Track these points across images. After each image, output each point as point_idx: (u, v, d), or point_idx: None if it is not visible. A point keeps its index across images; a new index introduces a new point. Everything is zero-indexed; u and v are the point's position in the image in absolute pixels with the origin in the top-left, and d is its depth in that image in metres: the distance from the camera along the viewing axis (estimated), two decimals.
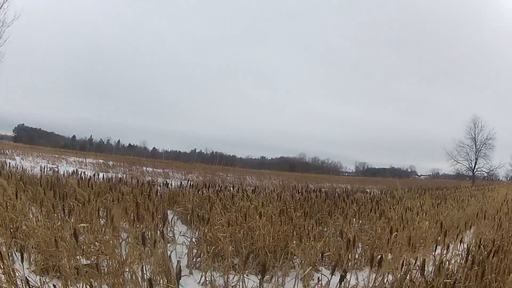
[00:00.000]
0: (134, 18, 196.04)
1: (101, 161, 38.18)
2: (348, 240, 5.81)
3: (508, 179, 75.32)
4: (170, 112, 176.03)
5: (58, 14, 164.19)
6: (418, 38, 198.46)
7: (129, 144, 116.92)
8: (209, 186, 13.41)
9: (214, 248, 5.93)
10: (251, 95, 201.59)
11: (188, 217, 8.58)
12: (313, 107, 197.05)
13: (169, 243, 6.96)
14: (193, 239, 6.68)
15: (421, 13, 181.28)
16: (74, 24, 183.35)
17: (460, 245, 6.48)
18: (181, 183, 14.43)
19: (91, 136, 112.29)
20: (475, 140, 63.04)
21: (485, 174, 65.48)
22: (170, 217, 8.91)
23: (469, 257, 5.13)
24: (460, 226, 8.82)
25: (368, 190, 27.38)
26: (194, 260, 6.34)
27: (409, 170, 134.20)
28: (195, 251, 6.44)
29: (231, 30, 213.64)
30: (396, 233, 6.77)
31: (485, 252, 5.34)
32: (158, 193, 11.15)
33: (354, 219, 8.42)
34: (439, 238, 6.87)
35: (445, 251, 6.07)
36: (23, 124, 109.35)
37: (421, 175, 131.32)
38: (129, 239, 6.00)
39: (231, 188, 14.61)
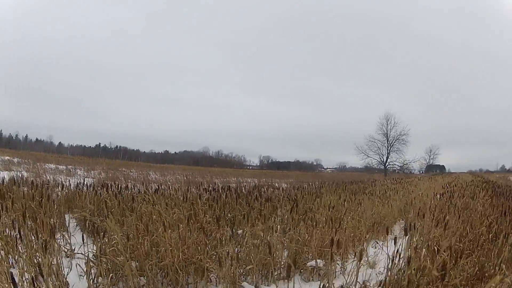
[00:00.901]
0: (36, 9, 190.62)
1: (7, 157, 35.55)
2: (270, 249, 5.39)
3: (421, 172, 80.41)
4: (76, 107, 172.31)
5: None
6: (336, 35, 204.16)
7: (36, 139, 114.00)
8: (108, 186, 12.18)
9: (115, 266, 5.29)
10: (155, 91, 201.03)
11: (86, 225, 7.69)
12: (218, 101, 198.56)
13: (67, 257, 6.46)
14: (91, 254, 5.64)
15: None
16: None
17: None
18: (78, 182, 13.13)
19: (1, 130, 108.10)
20: (387, 136, 66.07)
21: (398, 168, 67.71)
22: (69, 224, 8.22)
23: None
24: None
25: (276, 185, 27.15)
26: (94, 281, 5.28)
27: (315, 163, 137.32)
28: (94, 270, 5.40)
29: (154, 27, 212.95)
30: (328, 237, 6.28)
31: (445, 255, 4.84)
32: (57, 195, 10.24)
33: (274, 223, 7.48)
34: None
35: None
36: None
37: (327, 168, 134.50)
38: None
39: (133, 188, 13.57)
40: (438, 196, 14.20)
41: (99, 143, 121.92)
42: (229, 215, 8.51)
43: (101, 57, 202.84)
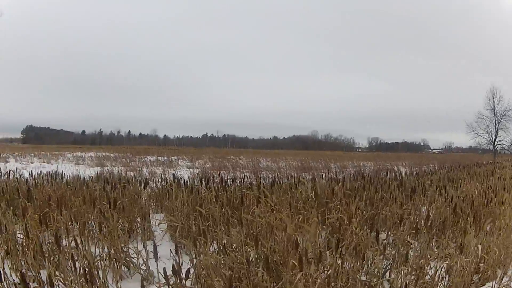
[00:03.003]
0: (116, 14, 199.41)
1: (103, 153, 35.24)
2: None
3: None
4: (176, 99, 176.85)
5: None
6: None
7: (140, 134, 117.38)
8: (208, 179, 9.87)
9: None
10: (257, 78, 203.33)
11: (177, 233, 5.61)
12: (321, 85, 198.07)
13: (144, 279, 4.67)
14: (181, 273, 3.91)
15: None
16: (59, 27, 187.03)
17: None
18: (172, 175, 10.89)
19: (101, 129, 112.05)
20: (494, 112, 57.85)
21: (506, 148, 61.84)
22: (156, 230, 6.78)
23: None
24: None
25: (396, 168, 25.10)
26: None
27: (422, 144, 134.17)
28: None
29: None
30: None
31: None
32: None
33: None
34: None
35: None
36: (31, 125, 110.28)
37: (434, 149, 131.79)
38: None
39: (242, 179, 11.32)
40: None
41: (206, 133, 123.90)
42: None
43: (174, 48, 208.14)
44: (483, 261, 5.08)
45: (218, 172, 17.03)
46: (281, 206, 5.99)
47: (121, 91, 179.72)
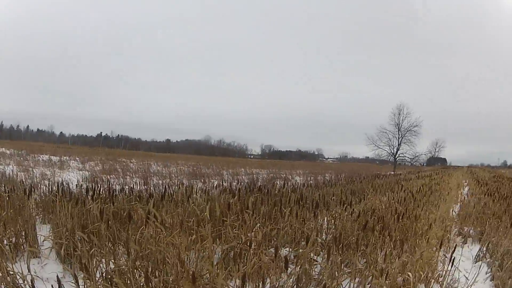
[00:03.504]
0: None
1: (1, 149, 32.81)
2: None
3: (423, 164, 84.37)
4: (76, 96, 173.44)
5: None
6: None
7: (38, 130, 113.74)
8: (94, 189, 8.71)
9: None
10: (156, 78, 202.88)
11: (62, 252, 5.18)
12: (219, 88, 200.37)
13: None
14: None
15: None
16: None
17: None
18: (57, 184, 9.93)
19: (1, 122, 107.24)
20: (399, 126, 64.24)
21: (408, 160, 66.77)
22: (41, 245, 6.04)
23: None
24: None
25: (290, 177, 25.20)
26: None
27: (316, 153, 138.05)
28: None
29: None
30: None
31: None
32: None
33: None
34: None
35: None
36: None
37: (328, 158, 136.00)
38: None
39: (132, 188, 10.23)
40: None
41: (101, 132, 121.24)
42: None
43: (96, 46, 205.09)
44: (403, 280, 4.79)
45: (107, 178, 16.24)
46: (173, 223, 5.46)
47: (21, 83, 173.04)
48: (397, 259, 5.11)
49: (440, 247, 5.71)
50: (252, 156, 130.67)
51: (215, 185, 12.40)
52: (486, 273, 6.47)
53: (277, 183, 16.10)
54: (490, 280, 6.20)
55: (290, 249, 6.14)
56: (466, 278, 5.97)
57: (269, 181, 18.84)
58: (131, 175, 19.24)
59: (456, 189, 18.51)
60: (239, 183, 13.98)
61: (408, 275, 4.51)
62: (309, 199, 9.15)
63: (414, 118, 64.46)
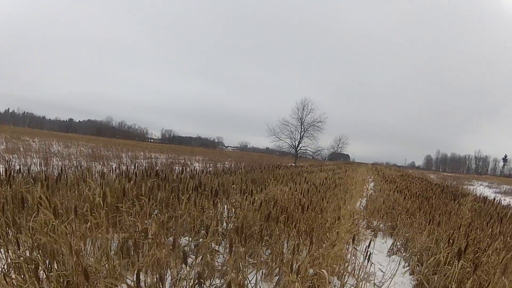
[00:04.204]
0: None
1: None
2: None
3: (325, 159, 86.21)
4: None
5: None
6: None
7: None
8: None
9: None
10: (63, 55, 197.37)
11: None
12: (124, 70, 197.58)
13: None
14: None
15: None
16: None
17: None
18: None
19: None
20: (301, 121, 64.90)
21: (311, 154, 67.42)
22: None
23: None
24: None
25: (189, 163, 24.97)
26: None
27: (217, 140, 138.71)
28: None
29: None
30: None
31: None
32: None
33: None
34: None
35: None
36: None
37: (228, 146, 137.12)
38: None
39: (28, 168, 9.60)
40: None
41: (8, 108, 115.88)
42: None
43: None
44: (315, 274, 4.68)
45: (9, 157, 15.41)
46: (67, 209, 5.21)
47: None
48: (305, 251, 5.09)
49: (353, 241, 5.58)
50: (152, 140, 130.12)
51: (113, 168, 12.05)
52: (404, 267, 6.60)
53: (175, 168, 15.92)
54: (410, 274, 6.28)
55: (190, 239, 5.90)
56: (382, 271, 6.15)
57: (167, 166, 18.62)
58: (32, 155, 18.44)
59: (362, 184, 18.72)
60: (137, 167, 13.58)
61: (321, 270, 4.39)
62: (208, 187, 8.97)
63: (318, 114, 66.07)
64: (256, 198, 7.96)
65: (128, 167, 13.04)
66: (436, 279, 5.44)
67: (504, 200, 20.02)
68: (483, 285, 5.03)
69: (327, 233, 6.24)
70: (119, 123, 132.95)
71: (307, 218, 6.85)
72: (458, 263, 5.03)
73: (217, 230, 5.80)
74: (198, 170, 15.40)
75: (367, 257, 5.26)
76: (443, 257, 5.68)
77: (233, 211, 7.35)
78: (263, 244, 5.72)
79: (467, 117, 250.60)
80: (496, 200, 16.23)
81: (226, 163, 27.65)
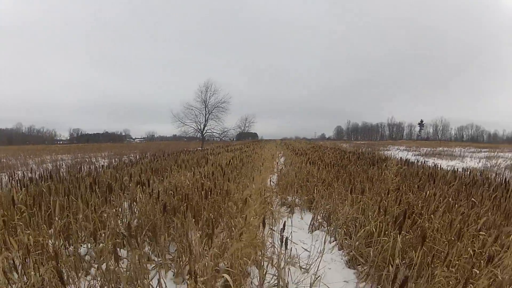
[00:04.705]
0: None
1: None
2: None
3: (233, 139, 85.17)
4: None
5: None
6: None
7: None
8: None
9: None
10: None
11: None
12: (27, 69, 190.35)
13: None
14: None
15: None
16: None
17: None
18: None
19: None
20: (205, 103, 64.12)
21: (217, 136, 66.87)
22: None
23: None
24: None
25: (93, 160, 24.39)
26: None
27: (124, 134, 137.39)
28: None
29: None
30: None
31: None
32: None
33: None
34: None
35: None
36: None
37: (136, 138, 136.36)
38: None
39: None
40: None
41: None
42: None
43: None
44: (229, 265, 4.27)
45: None
46: None
47: None
48: (212, 242, 4.58)
49: (264, 224, 4.88)
50: (61, 142, 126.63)
51: (20, 177, 11.19)
52: (330, 242, 6.18)
53: (82, 168, 15.21)
54: (339, 250, 5.91)
55: (90, 245, 5.20)
56: (307, 250, 5.72)
57: (72, 167, 17.82)
58: None
59: (271, 160, 18.42)
60: (34, 173, 12.74)
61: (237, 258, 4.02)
62: (105, 183, 8.23)
63: (222, 95, 65.66)
64: (153, 189, 7.29)
65: (24, 174, 12.15)
66: (371, 253, 4.98)
67: (428, 161, 20.41)
68: (436, 256, 4.54)
69: (236, 218, 5.46)
70: (28, 128, 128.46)
71: (213, 204, 6.35)
72: (399, 234, 4.53)
73: (117, 231, 5.24)
74: (98, 166, 14.68)
75: (284, 240, 4.45)
76: (375, 227, 5.35)
77: (134, 206, 6.70)
78: (169, 239, 5.26)
79: (377, 88, 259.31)
80: (420, 162, 16.48)
81: (132, 155, 26.91)
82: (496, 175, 12.64)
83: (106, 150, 38.08)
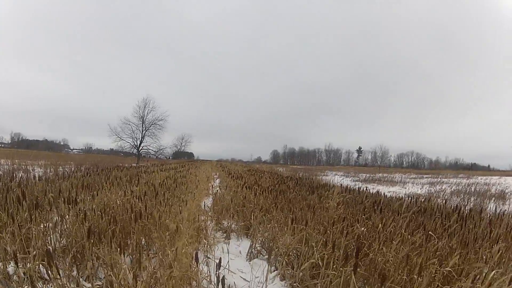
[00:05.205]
0: None
1: None
2: None
3: (169, 158, 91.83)
4: None
5: None
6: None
7: None
8: None
9: None
10: None
11: None
12: None
13: None
14: None
15: None
16: None
17: None
18: None
19: None
20: (143, 119, 64.76)
21: (153, 153, 67.50)
22: None
23: None
24: None
25: (30, 168, 23.55)
26: None
27: (62, 143, 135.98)
28: None
29: None
30: None
31: None
32: None
33: None
34: None
35: None
36: None
37: (74, 149, 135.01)
38: None
39: None
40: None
41: None
42: None
43: None
44: None
45: None
46: None
47: None
48: (144, 271, 4.42)
49: (197, 259, 4.51)
50: (2, 145, 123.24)
51: None
52: (271, 272, 5.82)
53: (17, 175, 14.79)
54: (281, 280, 5.56)
55: (15, 264, 4.94)
56: (245, 280, 5.49)
57: (7, 174, 17.32)
58: None
59: (206, 182, 18.10)
60: None
61: None
62: (34, 197, 7.91)
63: (159, 112, 66.23)
64: (80, 208, 6.79)
65: None
66: (319, 286, 4.76)
67: (372, 188, 20.55)
68: None
69: (168, 243, 5.15)
70: None
71: (142, 228, 6.05)
72: (354, 269, 4.13)
73: (45, 251, 5.01)
74: (32, 176, 14.18)
75: (221, 279, 4.15)
76: (319, 259, 5.02)
77: (60, 225, 6.10)
78: (99, 262, 4.91)
79: (313, 115, 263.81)
80: (362, 189, 16.39)
81: (67, 166, 26.34)
82: (445, 201, 12.75)
83: (43, 159, 36.98)
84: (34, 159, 34.78)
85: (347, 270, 4.46)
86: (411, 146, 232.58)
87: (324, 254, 5.04)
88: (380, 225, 6.61)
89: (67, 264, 4.26)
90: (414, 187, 27.64)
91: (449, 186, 26.25)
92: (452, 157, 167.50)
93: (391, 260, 4.89)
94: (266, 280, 5.18)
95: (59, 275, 4.11)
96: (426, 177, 40.82)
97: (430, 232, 6.05)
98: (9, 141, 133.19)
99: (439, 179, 35.71)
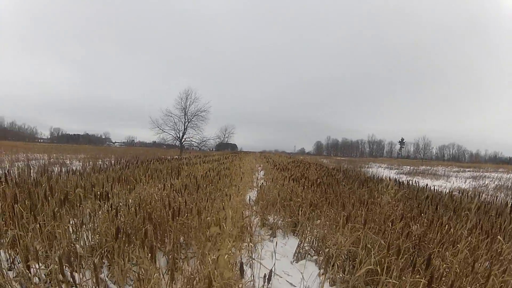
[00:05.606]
0: None
1: None
2: None
3: (212, 149, 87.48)
4: None
5: None
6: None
7: None
8: None
9: None
10: None
11: None
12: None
13: None
14: None
15: None
16: None
17: None
18: None
19: None
20: (185, 111, 64.18)
21: (196, 145, 66.99)
22: None
23: None
24: None
25: (68, 162, 24.01)
26: None
27: (104, 137, 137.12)
28: None
29: None
30: None
31: None
32: None
33: None
34: None
35: None
36: None
37: (116, 142, 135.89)
38: None
39: None
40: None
41: None
42: None
43: None
44: None
45: None
46: None
47: None
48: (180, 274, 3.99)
49: (242, 272, 3.90)
50: (41, 140, 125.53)
51: None
52: (320, 276, 5.13)
53: (53, 169, 14.41)
54: (331, 286, 4.97)
55: (38, 266, 4.32)
56: (292, 284, 4.99)
57: (45, 167, 17.00)
58: None
59: (250, 174, 17.61)
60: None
61: None
62: (63, 192, 7.34)
63: (202, 103, 66.92)
64: (112, 204, 6.16)
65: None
66: None
67: (416, 181, 19.75)
68: None
69: (208, 242, 4.56)
70: (10, 124, 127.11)
71: (181, 226, 5.49)
72: (429, 283, 3.48)
73: (73, 252, 4.40)
74: (67, 170, 13.75)
75: (268, 279, 3.90)
76: (377, 263, 4.42)
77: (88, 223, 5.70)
78: (130, 264, 4.39)
79: (359, 105, 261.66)
80: (411, 183, 15.88)
81: (107, 159, 26.15)
82: (495, 198, 11.97)
83: (83, 152, 37.00)
84: (73, 153, 34.74)
85: (414, 281, 3.87)
86: (452, 138, 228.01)
87: (383, 258, 4.49)
88: (438, 224, 6.07)
89: (93, 265, 3.70)
90: (457, 181, 26.82)
91: (491, 181, 25.46)
92: (491, 150, 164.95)
93: (457, 268, 4.23)
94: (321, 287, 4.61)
95: (85, 278, 3.85)
96: (468, 171, 39.97)
97: (499, 237, 5.25)
98: (49, 136, 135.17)
99: (481, 173, 34.60)
